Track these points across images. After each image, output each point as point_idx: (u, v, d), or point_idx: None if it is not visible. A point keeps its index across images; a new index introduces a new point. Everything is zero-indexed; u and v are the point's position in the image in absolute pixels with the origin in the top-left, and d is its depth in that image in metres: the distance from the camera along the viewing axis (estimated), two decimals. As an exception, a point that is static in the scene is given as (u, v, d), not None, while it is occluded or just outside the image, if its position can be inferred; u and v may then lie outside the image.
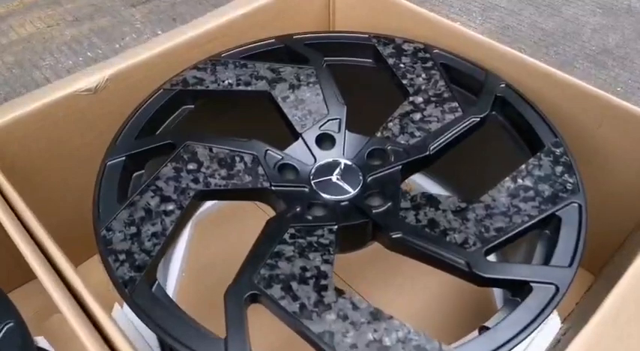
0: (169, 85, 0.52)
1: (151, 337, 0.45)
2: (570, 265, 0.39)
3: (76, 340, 0.34)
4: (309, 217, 0.43)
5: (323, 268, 0.39)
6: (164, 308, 0.37)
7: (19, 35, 1.17)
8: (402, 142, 0.48)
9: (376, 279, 0.63)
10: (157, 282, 0.39)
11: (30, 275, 0.38)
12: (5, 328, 0.34)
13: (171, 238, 0.41)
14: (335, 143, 0.49)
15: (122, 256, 0.39)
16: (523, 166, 0.45)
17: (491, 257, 0.40)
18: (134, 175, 0.47)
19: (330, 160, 0.48)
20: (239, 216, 0.68)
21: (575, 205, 0.42)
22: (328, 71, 0.54)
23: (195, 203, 0.44)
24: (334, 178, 0.46)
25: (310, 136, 0.49)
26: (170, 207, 0.42)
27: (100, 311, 0.36)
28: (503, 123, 0.51)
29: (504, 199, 0.43)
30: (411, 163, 0.47)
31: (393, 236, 0.41)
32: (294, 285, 0.37)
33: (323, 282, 0.38)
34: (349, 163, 0.48)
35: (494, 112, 0.51)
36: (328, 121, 0.50)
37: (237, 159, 0.46)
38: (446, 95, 0.51)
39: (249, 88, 0.52)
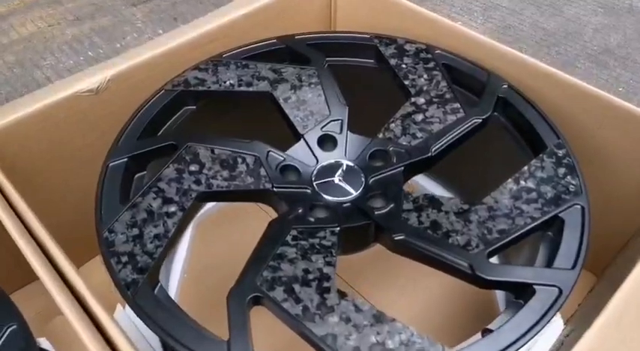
0: (171, 86, 0.52)
1: (153, 338, 0.45)
2: (573, 267, 0.39)
3: (78, 341, 0.34)
4: (312, 219, 0.43)
5: (325, 270, 0.39)
6: (166, 310, 0.37)
7: (20, 34, 1.17)
8: (404, 143, 0.48)
9: (378, 280, 0.63)
10: (159, 284, 0.39)
11: (31, 276, 0.38)
12: (8, 331, 0.34)
13: (174, 240, 0.41)
14: (337, 144, 0.49)
15: (124, 258, 0.39)
16: (525, 168, 0.45)
17: (494, 259, 0.40)
18: (136, 176, 0.47)
19: (332, 161, 0.48)
20: (241, 217, 0.68)
21: (578, 207, 0.42)
22: (330, 72, 0.54)
23: (197, 204, 0.43)
24: (336, 179, 0.46)
25: (312, 137, 0.49)
26: (172, 209, 0.42)
27: (102, 313, 0.36)
28: (505, 124, 0.51)
29: (507, 200, 0.43)
30: (413, 164, 0.47)
31: (396, 238, 0.41)
32: (297, 287, 0.37)
33: (325, 284, 0.38)
34: (351, 164, 0.48)
35: (496, 113, 0.51)
36: (330, 122, 0.50)
37: (239, 160, 0.46)
38: (448, 96, 0.51)
39: (250, 89, 0.52)
